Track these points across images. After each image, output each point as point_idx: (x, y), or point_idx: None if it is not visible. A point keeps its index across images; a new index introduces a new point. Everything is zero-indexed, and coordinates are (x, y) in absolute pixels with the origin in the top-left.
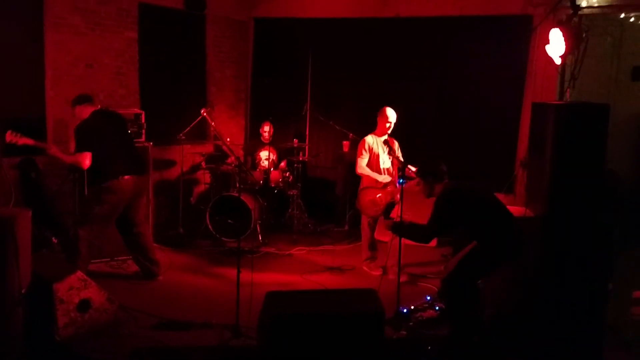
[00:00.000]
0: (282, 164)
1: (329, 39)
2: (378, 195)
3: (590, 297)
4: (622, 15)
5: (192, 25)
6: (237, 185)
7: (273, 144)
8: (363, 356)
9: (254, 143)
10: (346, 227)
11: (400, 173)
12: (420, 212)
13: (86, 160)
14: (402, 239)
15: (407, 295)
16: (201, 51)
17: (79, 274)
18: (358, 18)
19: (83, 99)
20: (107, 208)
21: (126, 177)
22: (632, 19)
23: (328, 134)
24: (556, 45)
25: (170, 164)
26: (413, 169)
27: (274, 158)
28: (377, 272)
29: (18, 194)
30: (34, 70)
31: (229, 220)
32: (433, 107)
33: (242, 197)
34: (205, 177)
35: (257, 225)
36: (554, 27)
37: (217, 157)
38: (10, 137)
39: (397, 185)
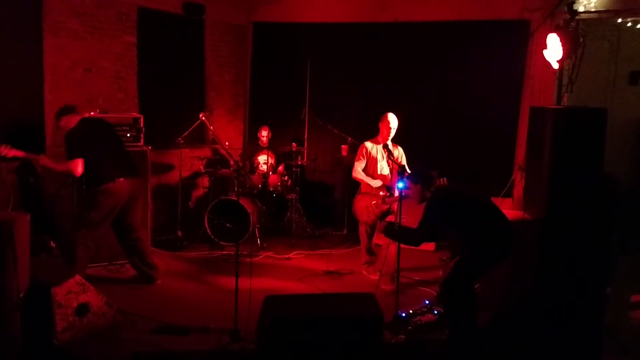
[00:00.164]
0: (280, 167)
1: (328, 44)
2: (373, 202)
3: (588, 301)
4: (620, 20)
5: (190, 29)
6: (236, 189)
7: (271, 148)
8: None
9: (252, 147)
10: (344, 231)
11: (399, 177)
12: (418, 218)
13: (78, 167)
14: (399, 244)
15: (406, 299)
16: (200, 55)
17: (78, 278)
18: (356, 23)
19: (67, 110)
20: (104, 212)
21: (121, 179)
22: (629, 24)
23: (326, 138)
24: (553, 49)
25: (169, 168)
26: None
27: (272, 162)
28: (375, 276)
29: (16, 198)
30: (32, 74)
31: (228, 224)
32: (431, 111)
33: (240, 201)
34: (203, 181)
35: (256, 229)
36: (551, 32)
37: (217, 161)
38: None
39: (396, 190)
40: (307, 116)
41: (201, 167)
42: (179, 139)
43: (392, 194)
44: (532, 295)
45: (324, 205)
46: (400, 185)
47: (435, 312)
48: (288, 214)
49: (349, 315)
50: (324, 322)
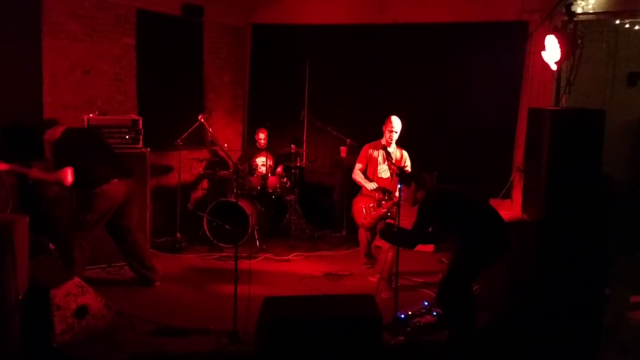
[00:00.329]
0: (279, 169)
1: (326, 45)
2: (370, 205)
3: (587, 302)
4: (617, 22)
5: (189, 31)
6: (235, 190)
7: (269, 149)
8: None
9: (250, 149)
10: (344, 233)
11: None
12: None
13: (67, 176)
14: (398, 248)
15: (405, 300)
16: (199, 57)
17: (76, 280)
18: (355, 24)
19: (49, 123)
20: (99, 214)
21: (115, 180)
22: (627, 25)
23: (325, 140)
24: (552, 51)
25: (168, 169)
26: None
27: (271, 163)
28: (375, 278)
29: (15, 200)
30: (31, 76)
31: (227, 226)
32: (429, 112)
33: (239, 203)
34: (202, 183)
35: (255, 231)
36: (549, 34)
37: (216, 163)
38: None
39: (397, 193)
40: (306, 118)
41: (201, 169)
42: (178, 140)
43: (391, 198)
44: (531, 296)
45: (323, 207)
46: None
47: (434, 313)
48: (287, 216)
49: (348, 316)
50: (323, 324)
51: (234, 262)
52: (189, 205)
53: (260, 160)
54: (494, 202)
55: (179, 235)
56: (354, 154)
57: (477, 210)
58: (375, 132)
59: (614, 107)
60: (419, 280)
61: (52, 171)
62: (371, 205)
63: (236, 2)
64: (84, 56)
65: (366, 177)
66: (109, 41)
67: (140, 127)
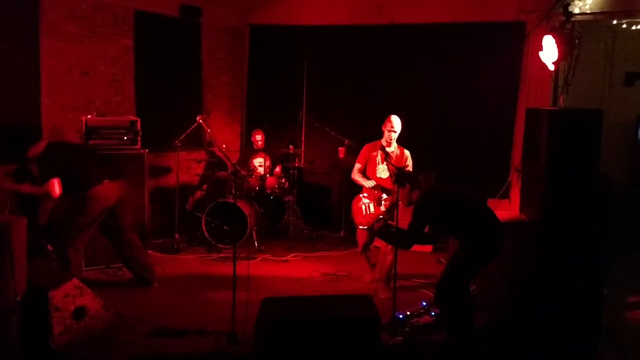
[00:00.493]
0: (277, 168)
1: (324, 46)
2: (367, 203)
3: (585, 302)
4: (615, 22)
5: (187, 32)
6: (233, 191)
7: (267, 150)
8: None
9: (248, 150)
10: (342, 233)
11: (393, 179)
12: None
13: (54, 187)
14: (396, 253)
15: (403, 301)
16: (197, 58)
17: (75, 281)
18: (353, 25)
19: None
20: (92, 216)
21: (106, 181)
22: (624, 25)
23: (324, 140)
24: (549, 51)
25: (166, 170)
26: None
27: (269, 164)
28: (368, 278)
29: (13, 202)
30: (29, 77)
31: (225, 227)
32: (427, 113)
33: (238, 204)
34: (201, 184)
35: (253, 232)
36: (547, 34)
37: (214, 164)
38: None
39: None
40: (304, 118)
41: (199, 170)
42: (176, 141)
43: (390, 194)
44: (529, 296)
45: (321, 208)
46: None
47: (433, 313)
48: (285, 216)
49: (346, 317)
50: (322, 324)
51: (232, 263)
52: (187, 206)
53: (258, 161)
54: (491, 202)
55: (177, 236)
56: (352, 154)
57: (472, 209)
58: (373, 133)
59: (612, 107)
60: (418, 280)
61: (40, 185)
62: (368, 203)
63: (234, 2)
64: (81, 57)
65: (365, 177)
66: (107, 42)
67: (139, 128)
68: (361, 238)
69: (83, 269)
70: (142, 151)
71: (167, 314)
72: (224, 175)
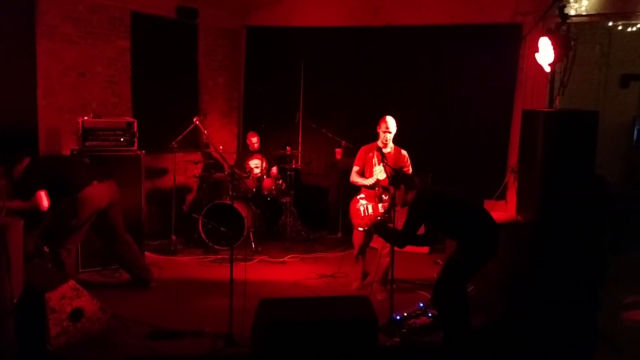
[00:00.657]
0: (274, 169)
1: (321, 48)
2: (365, 204)
3: (581, 303)
4: (610, 24)
5: (184, 33)
6: (230, 193)
7: (263, 151)
8: None
9: (245, 152)
10: (339, 234)
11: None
12: None
13: (42, 200)
14: (392, 255)
15: (400, 302)
16: (193, 59)
17: (72, 283)
18: (350, 27)
19: (18, 157)
20: (84, 218)
21: (95, 182)
22: (620, 27)
23: (320, 142)
24: (545, 53)
25: (163, 172)
26: None
27: (265, 165)
28: (356, 286)
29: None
30: (25, 79)
31: (222, 228)
32: (424, 114)
33: (235, 205)
34: (198, 185)
35: (250, 233)
36: (543, 36)
37: (211, 165)
38: None
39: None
40: (301, 120)
41: (196, 172)
42: (173, 143)
43: (388, 191)
44: (526, 297)
45: (318, 209)
46: None
47: (430, 314)
48: (282, 218)
49: (343, 318)
50: (319, 326)
51: (229, 265)
52: (184, 207)
53: (254, 163)
54: (488, 203)
55: (174, 237)
56: (349, 155)
57: (468, 210)
58: (370, 134)
59: (608, 108)
60: (415, 281)
61: (28, 200)
62: (366, 203)
63: (231, 4)
64: (78, 59)
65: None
66: (104, 43)
67: (135, 129)
68: (357, 240)
69: (79, 270)
70: (138, 153)
71: (164, 315)
72: (221, 176)
